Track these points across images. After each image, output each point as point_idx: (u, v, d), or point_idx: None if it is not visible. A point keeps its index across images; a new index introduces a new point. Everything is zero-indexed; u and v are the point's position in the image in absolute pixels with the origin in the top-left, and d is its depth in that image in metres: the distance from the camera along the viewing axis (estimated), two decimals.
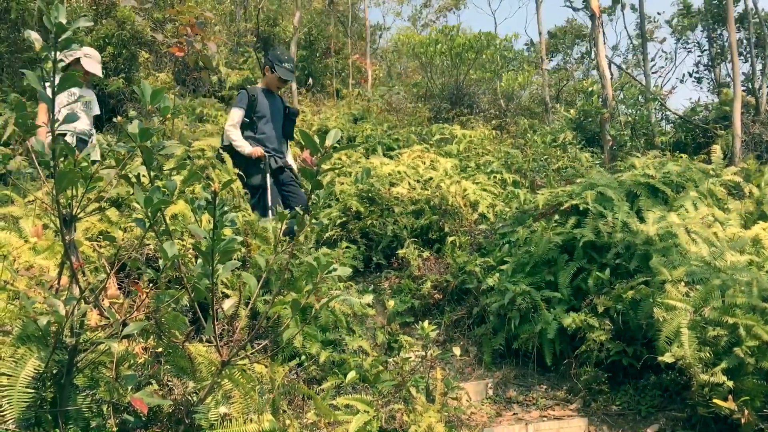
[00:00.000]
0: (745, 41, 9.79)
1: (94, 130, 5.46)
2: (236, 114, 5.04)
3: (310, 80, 9.45)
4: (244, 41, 9.72)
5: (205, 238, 1.83)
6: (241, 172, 4.91)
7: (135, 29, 7.82)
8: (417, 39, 11.14)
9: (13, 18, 7.14)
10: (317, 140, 2.02)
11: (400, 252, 5.48)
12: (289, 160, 5.33)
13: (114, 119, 7.08)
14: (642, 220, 4.49)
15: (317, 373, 3.52)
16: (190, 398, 1.98)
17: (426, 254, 5.52)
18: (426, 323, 3.64)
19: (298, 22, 8.61)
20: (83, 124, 5.31)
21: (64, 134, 5.07)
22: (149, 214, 2.03)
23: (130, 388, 1.87)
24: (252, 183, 4.97)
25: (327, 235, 5.67)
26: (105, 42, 7.77)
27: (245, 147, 4.96)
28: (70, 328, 1.91)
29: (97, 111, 5.57)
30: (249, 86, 5.51)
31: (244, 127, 5.08)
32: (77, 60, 5.25)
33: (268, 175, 5.03)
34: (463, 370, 4.43)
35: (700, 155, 6.52)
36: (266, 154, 5.01)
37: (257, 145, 5.01)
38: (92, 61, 5.25)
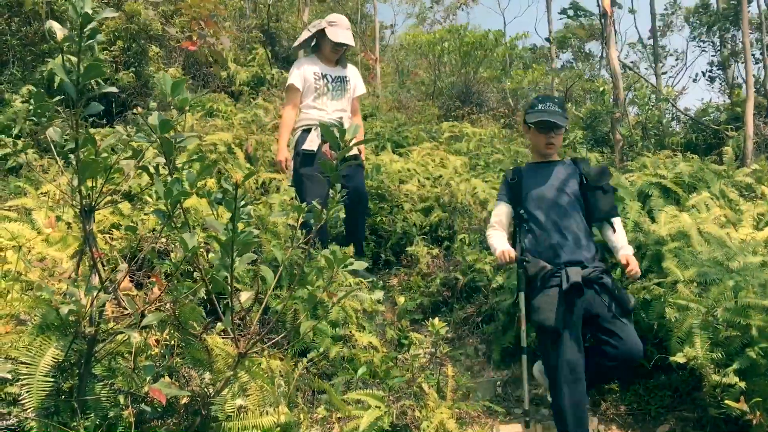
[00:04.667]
0: (755, 42, 9.76)
1: (347, 120, 4.72)
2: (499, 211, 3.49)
3: None
4: (251, 37, 9.72)
5: (226, 229, 1.83)
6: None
7: (144, 23, 7.83)
8: (424, 38, 11.14)
9: (28, 10, 7.15)
10: (338, 134, 2.02)
11: (410, 249, 5.48)
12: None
13: (125, 113, 7.12)
14: (653, 220, 4.48)
15: (327, 369, 3.52)
16: (206, 390, 1.99)
17: (435, 252, 5.51)
18: (436, 320, 3.64)
19: (306, 19, 8.61)
20: (333, 111, 4.71)
21: (309, 128, 4.59)
22: (168, 205, 2.04)
23: (148, 378, 1.87)
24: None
25: (336, 231, 5.67)
26: (114, 36, 7.79)
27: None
28: (89, 318, 1.91)
29: (360, 91, 4.93)
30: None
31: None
32: (322, 32, 4.67)
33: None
34: (472, 368, 4.43)
35: (711, 156, 6.49)
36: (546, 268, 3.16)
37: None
38: (339, 29, 4.60)
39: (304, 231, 4.20)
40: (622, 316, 3.11)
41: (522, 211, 3.31)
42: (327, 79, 4.72)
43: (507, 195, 3.44)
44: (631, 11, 13.00)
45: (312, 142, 4.56)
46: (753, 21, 9.47)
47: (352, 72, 4.95)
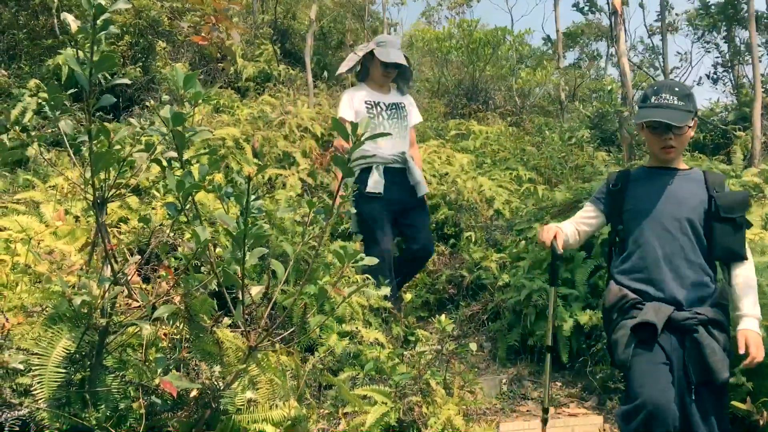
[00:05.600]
0: (760, 41, 9.72)
1: (408, 153, 4.26)
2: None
3: (326, 73, 9.44)
4: (260, 33, 9.72)
5: (237, 222, 1.83)
6: None
7: (153, 18, 7.83)
8: (432, 34, 11.12)
9: (37, 3, 7.16)
10: (349, 128, 2.01)
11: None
12: None
13: (131, 108, 7.12)
14: None
15: (333, 364, 3.52)
16: (216, 383, 1.99)
17: (441, 249, 5.51)
18: (443, 317, 3.64)
19: (315, 15, 8.60)
20: (392, 145, 4.20)
21: (369, 167, 4.15)
22: (180, 198, 2.04)
23: (158, 371, 1.88)
24: None
25: (342, 228, 5.67)
26: (122, 31, 7.79)
27: None
28: (101, 310, 1.92)
29: (416, 119, 4.52)
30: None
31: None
32: (370, 55, 4.24)
33: None
34: (478, 366, 4.43)
35: (718, 156, 6.47)
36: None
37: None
38: (389, 49, 4.15)
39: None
40: (702, 385, 2.31)
41: (620, 229, 2.61)
42: (381, 107, 4.26)
43: (603, 202, 2.70)
44: (641, 5, 12.95)
45: (377, 184, 4.12)
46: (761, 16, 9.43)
47: (406, 99, 4.48)
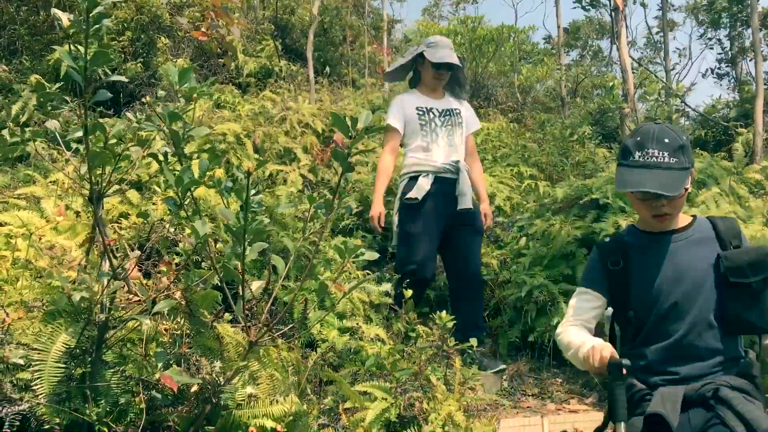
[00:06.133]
0: (763, 38, 9.68)
1: (463, 163, 3.93)
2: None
3: (327, 69, 9.43)
4: (261, 28, 9.71)
5: (237, 217, 1.83)
6: None
7: (154, 14, 7.82)
8: (437, 29, 11.09)
9: None
10: (349, 123, 2.01)
11: None
12: None
13: (132, 103, 7.12)
14: None
15: (334, 360, 3.52)
16: (217, 378, 1.99)
17: None
18: (444, 313, 3.64)
19: (316, 11, 8.58)
20: (446, 154, 3.91)
21: (417, 176, 3.85)
22: (179, 194, 2.04)
23: (159, 365, 1.88)
24: None
25: (342, 224, 5.67)
26: (123, 27, 7.78)
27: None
28: (100, 305, 1.92)
29: (474, 126, 4.22)
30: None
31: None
32: (421, 56, 3.95)
33: None
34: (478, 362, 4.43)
35: (720, 153, 6.46)
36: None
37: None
38: (439, 50, 3.88)
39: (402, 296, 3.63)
40: None
41: (632, 314, 2.05)
42: (433, 114, 3.95)
43: (601, 285, 2.11)
44: (643, 5, 12.91)
45: (419, 189, 3.75)
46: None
47: (462, 104, 4.15)
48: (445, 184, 3.85)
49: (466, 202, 3.81)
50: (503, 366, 3.95)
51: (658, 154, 1.92)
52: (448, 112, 3.99)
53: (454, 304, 4.06)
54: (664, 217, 2.01)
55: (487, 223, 4.14)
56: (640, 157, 1.93)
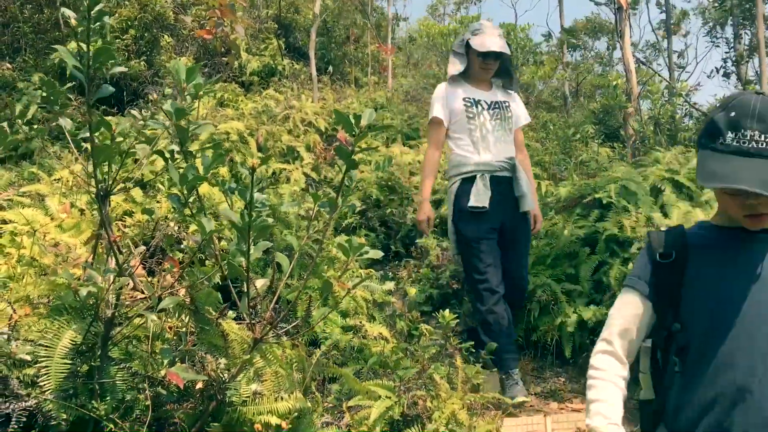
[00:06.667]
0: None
1: (516, 162, 3.62)
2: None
3: (330, 68, 9.44)
4: (265, 27, 9.72)
5: (241, 215, 1.84)
6: None
7: (158, 12, 7.84)
8: (436, 29, 11.10)
9: None
10: (352, 120, 2.01)
11: (419, 241, 5.47)
12: None
13: (136, 102, 7.13)
14: (666, 215, 4.46)
15: (337, 359, 3.53)
16: (222, 375, 2.00)
17: (445, 244, 5.50)
18: (447, 312, 3.64)
19: (318, 9, 8.59)
20: (498, 150, 3.59)
21: (472, 176, 3.52)
22: (184, 191, 2.04)
23: (164, 362, 1.88)
24: None
25: (346, 222, 5.68)
26: (127, 25, 7.80)
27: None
28: (106, 301, 1.92)
29: (525, 120, 3.89)
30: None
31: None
32: (466, 45, 3.61)
33: None
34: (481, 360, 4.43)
35: None
36: None
37: None
38: (486, 36, 3.52)
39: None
40: None
41: (678, 328, 1.52)
42: (481, 106, 3.61)
43: (648, 284, 1.59)
44: (647, 4, 12.91)
45: (481, 195, 3.45)
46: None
47: (511, 96, 3.83)
48: (502, 185, 3.56)
49: (527, 204, 3.56)
50: (525, 398, 3.63)
51: (760, 137, 1.39)
52: (497, 105, 3.66)
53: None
54: (760, 218, 1.46)
55: (536, 228, 3.83)
56: (734, 140, 1.40)
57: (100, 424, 1.87)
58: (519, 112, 3.82)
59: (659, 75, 8.79)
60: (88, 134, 1.89)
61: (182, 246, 3.40)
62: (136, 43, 7.80)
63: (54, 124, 5.19)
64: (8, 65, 6.83)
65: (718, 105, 1.49)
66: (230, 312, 2.49)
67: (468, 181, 3.51)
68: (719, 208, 1.59)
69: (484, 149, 3.55)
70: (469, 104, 3.59)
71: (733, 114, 1.41)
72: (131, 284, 2.09)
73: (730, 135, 1.41)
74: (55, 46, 2.00)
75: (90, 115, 1.94)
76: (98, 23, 1.86)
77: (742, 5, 8.72)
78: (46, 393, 1.83)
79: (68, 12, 1.89)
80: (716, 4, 9.47)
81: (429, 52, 11.95)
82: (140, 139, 2.15)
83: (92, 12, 1.81)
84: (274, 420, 2.04)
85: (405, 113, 8.59)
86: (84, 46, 1.82)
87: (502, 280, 3.58)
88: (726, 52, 10.64)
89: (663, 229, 1.77)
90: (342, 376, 2.85)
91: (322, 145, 6.68)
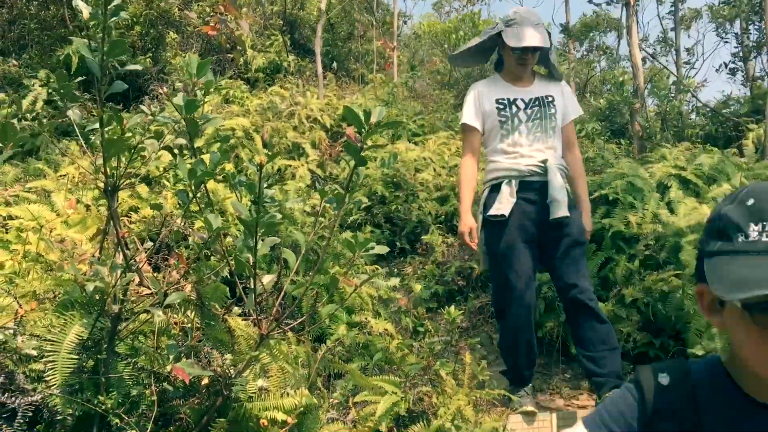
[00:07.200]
0: None
1: (556, 161, 3.27)
2: None
3: (335, 64, 9.42)
4: (270, 23, 9.71)
5: (249, 210, 1.83)
6: None
7: (163, 9, 7.84)
8: (439, 27, 11.07)
9: None
10: (362, 116, 2.00)
11: (425, 238, 5.47)
12: None
13: (141, 98, 7.14)
14: (672, 211, 4.43)
15: (343, 355, 3.53)
16: (228, 371, 2.00)
17: (450, 240, 5.50)
18: (452, 308, 3.63)
19: (324, 6, 8.58)
20: (533, 153, 3.25)
21: (499, 183, 3.24)
22: (192, 186, 2.04)
23: (171, 357, 1.88)
24: None
25: (351, 219, 5.68)
26: (133, 21, 7.81)
27: None
28: (113, 296, 1.92)
29: (574, 113, 3.47)
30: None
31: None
32: (498, 37, 3.27)
33: None
34: (486, 357, 4.42)
35: (730, 149, 6.42)
36: None
37: None
38: (522, 28, 3.14)
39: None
40: None
41: None
42: (517, 106, 3.27)
43: None
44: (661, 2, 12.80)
45: (502, 203, 3.16)
46: None
47: (557, 88, 3.40)
48: (533, 190, 3.22)
49: (559, 211, 3.11)
50: (533, 408, 3.47)
51: None
52: (536, 102, 3.30)
53: (570, 326, 3.39)
54: None
55: (585, 238, 3.38)
56: (762, 234, 0.97)
57: (106, 419, 1.87)
58: (567, 106, 3.42)
59: (667, 69, 8.74)
60: (96, 128, 1.89)
61: (189, 242, 3.41)
62: (141, 40, 7.81)
63: (60, 120, 5.20)
64: (14, 62, 6.85)
65: (721, 201, 1.08)
66: (236, 308, 2.50)
67: (496, 189, 3.25)
68: (743, 354, 1.02)
69: (518, 154, 3.25)
70: (502, 106, 3.28)
71: (751, 202, 0.99)
72: (138, 280, 2.09)
73: (754, 229, 0.99)
74: (72, 38, 1.99)
75: (102, 108, 1.94)
76: (114, 18, 1.85)
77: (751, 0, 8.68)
78: (52, 388, 1.83)
79: (81, 4, 1.88)
80: (725, 2, 9.39)
81: (431, 50, 11.92)
82: (147, 135, 2.15)
83: (108, 7, 1.81)
84: (279, 416, 2.04)
85: (410, 110, 8.58)
86: (98, 40, 1.82)
87: (528, 297, 3.21)
88: (735, 46, 10.56)
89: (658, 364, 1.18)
90: (348, 372, 2.84)
91: (328, 142, 6.67)
